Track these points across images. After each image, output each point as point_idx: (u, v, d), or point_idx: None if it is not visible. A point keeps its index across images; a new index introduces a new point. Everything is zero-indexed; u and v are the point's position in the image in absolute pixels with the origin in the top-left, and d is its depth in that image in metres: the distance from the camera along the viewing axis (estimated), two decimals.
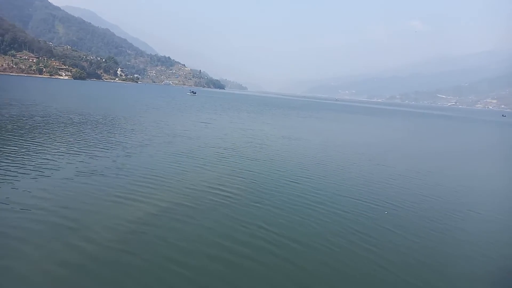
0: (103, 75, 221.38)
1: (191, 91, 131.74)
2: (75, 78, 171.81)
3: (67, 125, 25.21)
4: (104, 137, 21.67)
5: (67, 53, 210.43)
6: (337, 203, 12.80)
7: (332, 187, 15.03)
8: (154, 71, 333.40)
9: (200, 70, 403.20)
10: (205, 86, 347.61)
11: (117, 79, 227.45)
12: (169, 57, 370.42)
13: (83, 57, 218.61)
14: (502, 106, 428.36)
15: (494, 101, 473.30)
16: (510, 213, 13.79)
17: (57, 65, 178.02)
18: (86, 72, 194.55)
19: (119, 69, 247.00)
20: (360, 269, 8.21)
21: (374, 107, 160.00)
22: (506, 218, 13.17)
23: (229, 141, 24.59)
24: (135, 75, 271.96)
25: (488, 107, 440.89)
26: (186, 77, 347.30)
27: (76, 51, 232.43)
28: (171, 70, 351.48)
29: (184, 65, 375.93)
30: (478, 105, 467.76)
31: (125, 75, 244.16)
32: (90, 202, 10.73)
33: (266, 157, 20.23)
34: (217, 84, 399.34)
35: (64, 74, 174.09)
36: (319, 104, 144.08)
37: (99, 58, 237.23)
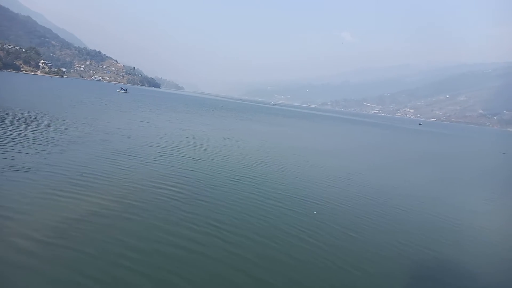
0: (22, 67, 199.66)
1: (121, 88, 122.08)
2: None
3: None
4: (30, 133, 19.90)
5: None
6: (277, 200, 13.55)
7: (272, 185, 15.73)
8: (82, 65, 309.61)
9: (133, 67, 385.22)
10: (139, 84, 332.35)
11: (39, 71, 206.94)
12: (99, 51, 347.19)
13: None
14: (418, 115, 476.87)
15: (412, 110, 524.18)
16: (434, 208, 15.68)
17: None
18: (2, 62, 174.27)
19: (42, 61, 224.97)
20: (297, 258, 8.92)
21: (308, 112, 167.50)
22: (429, 212, 14.98)
23: (170, 141, 24.17)
24: (60, 69, 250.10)
25: (406, 116, 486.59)
26: (118, 74, 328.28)
27: None
28: (101, 65, 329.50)
29: (116, 60, 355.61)
30: (398, 114, 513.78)
31: (48, 68, 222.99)
32: (23, 199, 9.99)
33: (208, 157, 20.34)
34: (152, 83, 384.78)
35: None
36: (257, 107, 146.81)
37: (18, 48, 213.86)
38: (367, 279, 8.36)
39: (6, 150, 15.32)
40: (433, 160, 36.17)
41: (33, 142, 17.66)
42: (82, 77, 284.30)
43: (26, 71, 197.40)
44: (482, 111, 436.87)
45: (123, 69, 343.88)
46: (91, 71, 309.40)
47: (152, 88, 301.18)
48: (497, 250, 11.76)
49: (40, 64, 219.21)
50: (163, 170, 15.65)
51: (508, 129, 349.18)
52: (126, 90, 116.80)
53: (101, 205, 10.31)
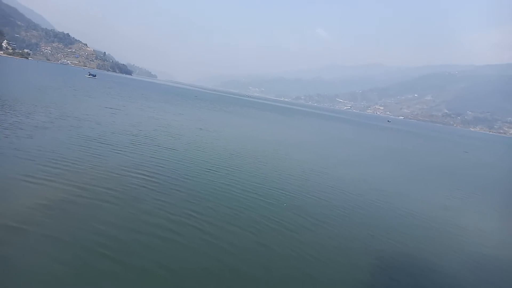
0: None
1: (90, 73, 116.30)
2: None
3: None
4: None
5: None
6: (252, 191, 13.82)
7: (246, 177, 15.95)
8: (49, 48, 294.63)
9: (104, 52, 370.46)
10: (109, 70, 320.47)
11: (1, 52, 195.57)
12: (68, 34, 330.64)
13: None
14: (388, 113, 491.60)
15: (381, 108, 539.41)
16: (401, 202, 16.45)
17: None
18: None
19: (5, 41, 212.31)
20: (268, 247, 9.26)
21: (282, 106, 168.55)
22: (396, 206, 15.73)
23: (143, 129, 23.77)
24: (26, 50, 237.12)
25: (376, 113, 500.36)
26: (88, 58, 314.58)
27: None
28: (70, 48, 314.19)
29: (86, 44, 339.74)
30: (368, 111, 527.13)
31: (12, 49, 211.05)
32: None
33: (182, 147, 20.24)
34: (124, 69, 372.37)
35: None
36: (232, 99, 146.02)
37: None
38: (334, 268, 8.77)
39: None
40: (401, 157, 37.66)
41: None
42: (49, 60, 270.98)
43: None
44: (447, 111, 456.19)
45: (93, 54, 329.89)
46: (58, 54, 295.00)
47: (124, 75, 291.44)
48: (458, 243, 12.58)
49: (3, 44, 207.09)
50: (136, 159, 15.46)
51: (470, 129, 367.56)
52: (95, 76, 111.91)
53: (73, 192, 10.13)
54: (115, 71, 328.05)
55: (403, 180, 22.75)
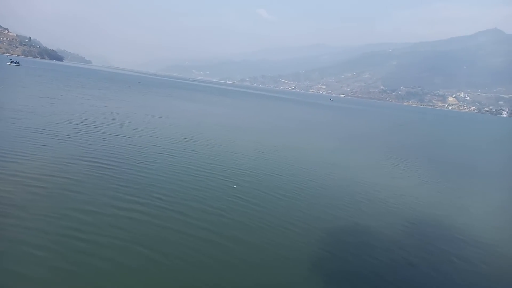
0: None
1: (12, 60, 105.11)
2: None
3: None
4: None
5: None
6: (206, 170, 14.47)
7: (200, 159, 16.49)
8: None
9: (29, 37, 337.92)
10: (37, 57, 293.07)
11: None
12: None
13: None
14: (330, 91, 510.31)
15: (324, 87, 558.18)
16: (346, 174, 17.94)
17: None
18: None
19: None
20: (237, 219, 10.05)
21: (227, 89, 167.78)
22: (341, 179, 17.17)
23: (89, 118, 22.95)
24: None
25: (319, 92, 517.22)
26: (10, 44, 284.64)
27: None
28: None
29: (7, 29, 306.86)
30: (311, 90, 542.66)
31: None
32: None
33: (133, 133, 20.04)
34: (54, 55, 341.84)
35: None
36: (176, 83, 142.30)
37: None
38: (295, 237, 9.73)
39: None
40: (347, 132, 40.17)
41: None
42: None
43: None
44: (383, 87, 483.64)
45: (16, 39, 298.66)
46: None
47: (54, 62, 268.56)
48: (399, 206, 14.20)
49: None
50: (88, 148, 15.18)
51: (404, 103, 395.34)
52: (18, 63, 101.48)
53: (31, 183, 9.98)
54: (43, 58, 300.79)
55: (351, 155, 24.60)
